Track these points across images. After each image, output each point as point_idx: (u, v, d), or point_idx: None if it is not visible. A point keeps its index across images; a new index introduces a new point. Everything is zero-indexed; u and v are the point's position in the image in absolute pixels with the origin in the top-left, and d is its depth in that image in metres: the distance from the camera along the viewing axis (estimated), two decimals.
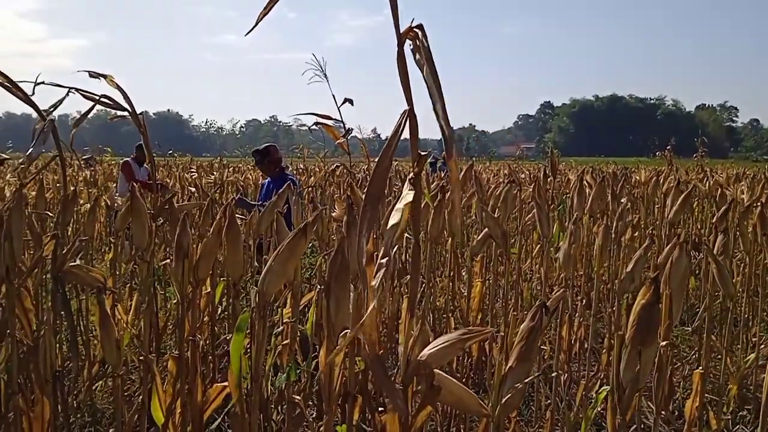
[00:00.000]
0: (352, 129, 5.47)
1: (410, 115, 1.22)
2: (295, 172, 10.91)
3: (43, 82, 2.16)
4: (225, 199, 7.68)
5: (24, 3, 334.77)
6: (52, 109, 2.31)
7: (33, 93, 2.30)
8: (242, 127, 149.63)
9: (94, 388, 3.25)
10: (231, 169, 12.59)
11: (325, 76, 4.61)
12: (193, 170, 11.77)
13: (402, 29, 1.15)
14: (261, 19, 1.09)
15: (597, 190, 3.55)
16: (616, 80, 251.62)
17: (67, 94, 2.40)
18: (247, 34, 1.06)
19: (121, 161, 7.69)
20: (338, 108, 5.00)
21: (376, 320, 1.30)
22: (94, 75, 2.33)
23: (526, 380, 1.30)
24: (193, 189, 7.59)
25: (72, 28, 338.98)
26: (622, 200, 4.06)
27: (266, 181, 5.56)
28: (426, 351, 1.31)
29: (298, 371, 2.15)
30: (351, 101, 5.03)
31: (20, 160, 2.12)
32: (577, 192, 3.29)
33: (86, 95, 2.38)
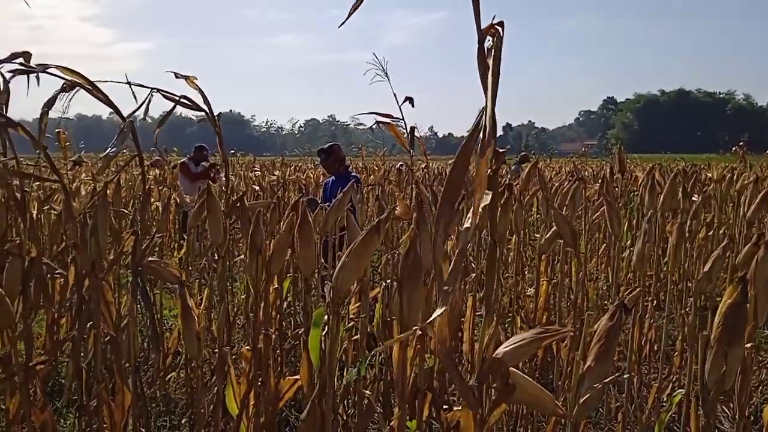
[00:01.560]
0: (415, 127, 5.49)
1: (490, 111, 1.22)
2: (354, 170, 11.01)
3: (129, 83, 2.25)
4: (287, 198, 7.83)
5: (88, 8, 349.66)
6: (135, 111, 2.41)
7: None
8: (301, 126, 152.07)
9: (167, 378, 3.37)
10: (292, 168, 12.80)
11: (387, 75, 4.63)
12: (256, 169, 12.04)
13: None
14: (352, 12, 1.12)
15: (669, 188, 3.44)
16: (683, 74, 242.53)
17: (151, 95, 2.49)
18: (340, 26, 1.11)
19: (179, 162, 7.95)
20: (399, 107, 5.02)
21: (448, 319, 1.30)
22: (179, 76, 2.42)
23: (605, 380, 1.28)
24: (257, 188, 7.76)
25: (137, 31, 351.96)
26: (694, 198, 3.92)
27: (329, 179, 5.65)
28: (501, 349, 1.31)
29: (367, 366, 2.18)
30: (411, 100, 5.04)
31: (101, 158, 2.22)
32: (648, 189, 3.19)
33: (167, 96, 2.48)
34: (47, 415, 2.46)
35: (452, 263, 1.19)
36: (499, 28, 1.22)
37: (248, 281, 2.97)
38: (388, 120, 4.70)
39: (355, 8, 1.13)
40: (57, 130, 5.04)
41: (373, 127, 4.98)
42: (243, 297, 3.74)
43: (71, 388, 3.47)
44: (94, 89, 2.14)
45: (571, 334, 2.77)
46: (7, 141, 2.49)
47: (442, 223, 1.06)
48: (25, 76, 2.40)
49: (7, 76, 2.37)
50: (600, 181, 4.28)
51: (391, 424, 1.76)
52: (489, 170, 1.31)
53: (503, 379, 1.26)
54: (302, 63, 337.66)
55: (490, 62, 1.18)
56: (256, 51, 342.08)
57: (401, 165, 8.51)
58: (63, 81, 2.20)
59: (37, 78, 2.14)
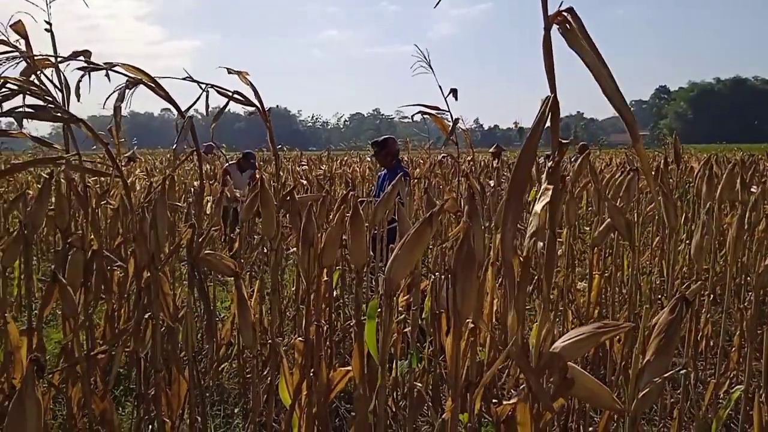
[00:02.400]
0: (459, 119, 5.47)
1: (553, 102, 1.20)
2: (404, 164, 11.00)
3: (191, 79, 2.31)
4: (334, 192, 7.88)
5: (142, 7, 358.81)
6: (191, 107, 2.47)
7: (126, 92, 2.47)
8: (346, 120, 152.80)
9: (220, 369, 3.46)
10: (338, 162, 12.90)
11: (431, 67, 4.62)
12: (303, 163, 12.17)
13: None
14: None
15: (727, 179, 3.33)
16: (739, 61, 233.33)
17: (207, 92, 2.55)
18: (435, 5, 1.11)
19: (226, 164, 8.00)
20: (445, 99, 5.01)
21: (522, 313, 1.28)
22: (231, 72, 2.46)
23: (665, 375, 1.25)
24: (305, 181, 7.84)
25: (187, 29, 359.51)
26: (753, 189, 3.78)
27: (382, 172, 5.70)
28: (559, 343, 1.29)
29: (420, 358, 2.18)
30: (455, 92, 5.02)
31: (168, 154, 2.28)
32: (705, 180, 3.09)
33: (221, 92, 2.53)
34: (107, 403, 2.56)
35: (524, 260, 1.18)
36: (568, 15, 1.20)
37: (298, 273, 3.01)
38: (433, 112, 4.70)
39: None
40: (108, 126, 5.20)
41: (417, 119, 4.98)
42: (293, 289, 3.80)
43: (129, 377, 3.59)
44: (156, 86, 2.20)
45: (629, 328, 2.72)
46: (70, 137, 2.59)
47: (511, 217, 1.05)
48: (85, 74, 2.49)
49: (77, 73, 2.45)
50: (654, 172, 4.17)
51: (444, 416, 1.76)
52: (551, 162, 1.30)
53: (561, 374, 1.24)
54: (348, 57, 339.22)
55: (582, 46, 1.14)
56: (302, 46, 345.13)
57: (444, 157, 8.47)
58: (126, 78, 2.27)
59: (107, 75, 2.21)
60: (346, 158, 15.30)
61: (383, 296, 1.58)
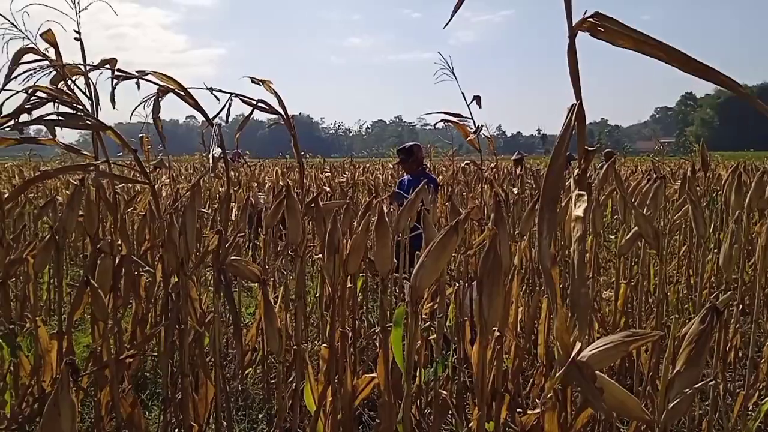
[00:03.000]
0: (482, 126, 5.47)
1: (579, 109, 1.20)
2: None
3: (217, 89, 2.34)
4: (356, 198, 7.90)
5: (167, 16, 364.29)
6: (216, 115, 2.50)
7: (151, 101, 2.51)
8: (368, 128, 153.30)
9: (245, 374, 3.48)
10: (361, 169, 12.93)
11: (454, 74, 4.63)
12: (326, 170, 12.23)
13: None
14: (456, 11, 1.13)
15: (756, 187, 3.27)
16: (766, 68, 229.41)
17: (231, 100, 2.58)
18: (444, 26, 1.12)
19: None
20: (468, 106, 5.02)
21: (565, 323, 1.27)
22: (255, 81, 2.49)
23: (695, 386, 1.24)
24: (328, 188, 7.88)
25: (211, 37, 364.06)
26: None
27: (404, 177, 5.72)
28: (587, 352, 1.28)
29: (445, 365, 2.18)
30: (479, 99, 5.03)
31: (196, 161, 2.32)
32: (734, 188, 3.05)
33: (246, 101, 2.56)
34: (135, 407, 2.59)
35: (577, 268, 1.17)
36: (594, 20, 1.20)
37: (322, 280, 3.02)
38: (456, 120, 4.70)
39: (457, 8, 1.15)
40: (140, 134, 5.29)
41: (439, 126, 4.99)
42: (317, 296, 3.82)
43: (155, 381, 3.63)
44: (186, 95, 2.23)
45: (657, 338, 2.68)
46: (99, 144, 2.64)
47: (546, 225, 1.05)
48: (119, 82, 2.54)
49: (105, 81, 2.51)
50: (681, 179, 4.12)
51: (470, 425, 1.76)
52: (578, 169, 1.30)
53: (589, 383, 1.23)
54: (370, 64, 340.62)
55: (629, 35, 1.14)
56: (325, 53, 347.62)
57: (467, 163, 8.46)
58: (156, 87, 2.31)
59: (138, 84, 2.26)
60: (368, 165, 15.34)
61: (409, 304, 1.59)
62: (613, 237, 5.84)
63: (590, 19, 1.17)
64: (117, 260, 2.62)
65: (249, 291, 5.39)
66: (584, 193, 1.30)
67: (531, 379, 3.01)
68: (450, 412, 2.14)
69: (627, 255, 3.41)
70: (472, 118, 5.00)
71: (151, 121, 2.67)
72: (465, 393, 2.80)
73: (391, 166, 13.00)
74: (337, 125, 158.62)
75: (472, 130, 4.93)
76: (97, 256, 2.58)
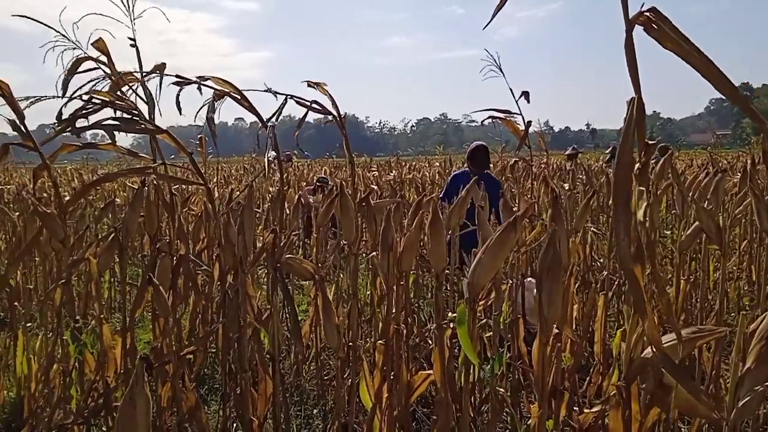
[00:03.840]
0: (531, 122, 5.42)
1: (638, 103, 1.18)
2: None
3: (269, 90, 2.38)
4: (404, 196, 7.90)
5: (214, 21, 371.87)
6: (271, 117, 2.54)
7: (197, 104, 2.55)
8: (413, 126, 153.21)
9: (299, 370, 3.53)
10: (407, 167, 12.94)
11: (501, 70, 4.59)
12: (373, 169, 12.28)
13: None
14: (497, 11, 1.13)
15: None
16: None
17: (286, 101, 2.62)
18: (484, 27, 1.11)
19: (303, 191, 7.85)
20: (516, 102, 4.96)
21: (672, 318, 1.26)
22: (311, 84, 2.52)
23: (767, 383, 1.20)
24: (375, 187, 7.91)
25: (257, 41, 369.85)
26: None
27: (458, 171, 5.81)
28: (651, 349, 1.26)
29: (502, 363, 2.17)
30: (527, 94, 4.96)
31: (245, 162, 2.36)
32: None
33: (300, 102, 2.60)
34: (196, 402, 2.66)
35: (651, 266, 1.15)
36: (650, 14, 1.18)
37: (373, 278, 3.05)
38: (504, 116, 4.66)
39: (499, 8, 1.14)
40: (199, 135, 5.43)
41: (487, 123, 4.96)
42: (368, 293, 3.84)
43: (213, 377, 3.72)
44: (242, 98, 2.28)
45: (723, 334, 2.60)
46: (156, 147, 2.73)
47: (622, 225, 1.03)
48: (182, 88, 2.61)
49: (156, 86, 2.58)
50: (741, 172, 3.97)
51: (529, 423, 1.74)
52: (638, 164, 1.28)
53: (656, 381, 1.21)
54: (415, 62, 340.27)
55: (676, 43, 1.12)
56: (369, 53, 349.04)
57: (517, 161, 8.36)
58: (213, 90, 2.36)
59: (199, 89, 2.32)
60: (414, 163, 15.34)
61: (467, 301, 1.59)
62: (668, 233, 5.69)
63: (647, 14, 1.15)
64: (176, 259, 2.70)
65: (300, 289, 5.46)
66: (644, 189, 1.28)
67: (587, 378, 2.96)
68: (506, 409, 2.13)
69: (685, 251, 3.32)
70: (521, 114, 4.96)
71: (202, 124, 2.74)
72: (519, 391, 2.78)
73: (438, 164, 12.96)
74: (382, 124, 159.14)
75: (522, 126, 4.89)
76: (157, 256, 2.67)
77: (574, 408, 2.41)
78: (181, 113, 2.37)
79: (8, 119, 2.60)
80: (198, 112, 2.63)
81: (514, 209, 2.73)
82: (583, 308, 3.16)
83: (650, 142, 1.30)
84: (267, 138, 2.46)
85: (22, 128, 2.23)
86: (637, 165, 1.33)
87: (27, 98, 2.18)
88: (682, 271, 3.40)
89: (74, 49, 2.39)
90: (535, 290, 3.72)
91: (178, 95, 2.52)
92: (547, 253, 1.41)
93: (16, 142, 2.57)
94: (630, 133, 1.16)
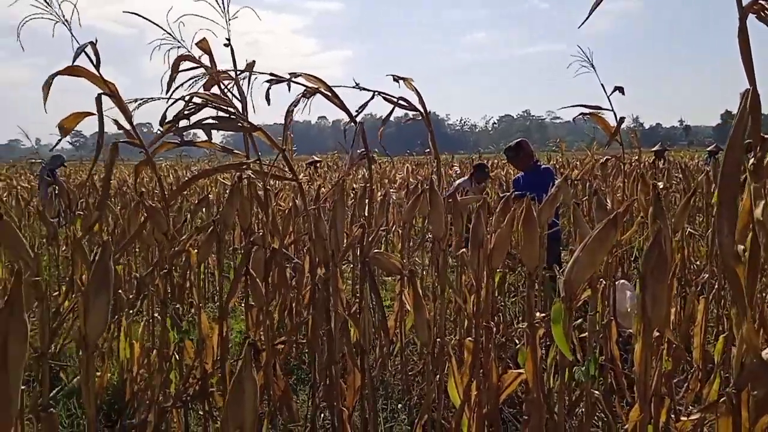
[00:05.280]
0: (624, 118, 5.21)
1: (753, 95, 1.12)
2: (555, 165, 10.67)
3: (359, 87, 2.41)
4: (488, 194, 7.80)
5: (298, 21, 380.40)
6: (359, 113, 2.58)
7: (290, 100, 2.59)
8: (495, 123, 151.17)
9: (385, 364, 3.57)
10: (489, 165, 12.79)
11: (592, 66, 4.45)
12: (455, 166, 12.22)
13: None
14: (594, 8, 1.10)
15: None
16: None
17: (373, 97, 2.65)
18: (579, 26, 1.07)
19: (458, 182, 7.03)
20: (608, 97, 4.78)
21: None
22: (396, 79, 2.54)
23: None
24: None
25: (339, 40, 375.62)
26: None
27: (519, 176, 5.53)
28: (767, 354, 1.19)
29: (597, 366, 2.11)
30: (621, 89, 4.78)
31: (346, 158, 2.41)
32: None
33: (387, 98, 2.62)
34: (287, 391, 2.75)
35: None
36: (765, 3, 1.12)
37: (458, 274, 3.03)
38: (591, 111, 4.52)
39: (596, 5, 1.11)
40: (289, 133, 5.56)
41: (569, 119, 4.82)
42: (450, 291, 3.83)
43: (301, 367, 3.83)
44: (332, 95, 2.32)
45: None
46: (250, 144, 2.82)
47: (726, 223, 0.99)
48: (271, 86, 2.70)
49: (253, 85, 2.67)
50: None
51: (626, 427, 1.69)
52: (752, 160, 1.21)
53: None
54: (497, 59, 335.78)
55: None
56: (450, 50, 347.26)
57: (606, 159, 8.09)
58: (305, 88, 2.42)
59: (289, 86, 2.38)
60: (497, 161, 15.13)
61: (562, 299, 1.55)
62: None
63: (761, 2, 1.09)
64: (268, 252, 2.79)
65: (383, 284, 5.51)
66: (759, 186, 1.21)
67: (685, 384, 2.83)
68: (599, 413, 2.07)
69: None
70: (612, 110, 4.79)
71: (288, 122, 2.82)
72: (611, 395, 2.70)
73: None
74: (462, 122, 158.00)
75: (611, 123, 4.73)
76: (251, 248, 2.76)
77: (671, 414, 2.32)
78: (269, 104, 2.43)
79: (113, 120, 2.75)
80: (291, 108, 2.70)
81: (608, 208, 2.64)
82: (681, 312, 3.02)
83: (766, 136, 1.24)
84: (355, 134, 2.49)
85: (130, 128, 2.36)
86: (751, 161, 1.26)
87: (135, 100, 2.31)
88: None
89: (178, 48, 2.50)
90: (627, 292, 3.59)
91: (268, 92, 2.59)
92: (652, 252, 1.36)
93: (123, 140, 2.72)
94: (741, 127, 1.10)
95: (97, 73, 2.09)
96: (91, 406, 1.28)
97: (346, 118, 2.71)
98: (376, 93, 2.71)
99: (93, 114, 2.13)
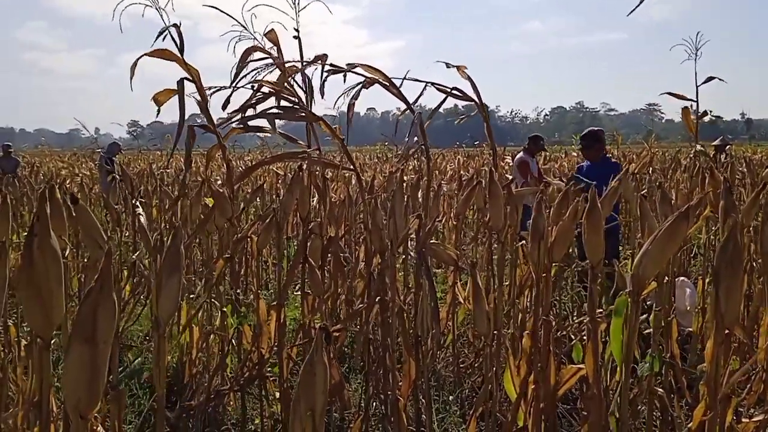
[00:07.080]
0: (708, 111, 5.07)
1: None
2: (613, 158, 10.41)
3: (407, 77, 2.41)
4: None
5: (349, 12, 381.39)
6: (414, 102, 2.58)
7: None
8: (546, 115, 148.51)
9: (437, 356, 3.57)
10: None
11: (697, 54, 4.39)
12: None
13: None
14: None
15: None
16: None
17: (425, 88, 2.64)
18: (629, 14, 1.05)
19: (518, 158, 7.09)
20: (697, 88, 4.67)
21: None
22: (449, 66, 2.53)
23: None
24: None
25: (390, 31, 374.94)
26: None
27: (583, 164, 5.43)
28: None
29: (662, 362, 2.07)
30: (711, 79, 4.68)
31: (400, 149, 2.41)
32: None
33: (440, 88, 2.61)
34: (339, 379, 2.78)
35: None
36: None
37: (512, 267, 3.00)
38: (667, 101, 4.42)
39: None
40: (335, 126, 5.60)
41: (625, 112, 4.71)
42: (506, 283, 3.80)
43: (351, 356, 3.86)
44: (390, 85, 2.33)
45: None
46: (312, 134, 2.85)
47: None
48: (329, 75, 2.72)
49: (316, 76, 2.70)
50: None
51: (689, 425, 1.65)
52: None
53: None
54: (550, 48, 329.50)
55: None
56: (503, 40, 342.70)
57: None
58: (364, 78, 2.43)
59: (344, 77, 2.39)
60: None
61: (630, 294, 1.52)
62: None
63: None
64: (326, 241, 2.83)
65: (434, 276, 5.50)
66: None
67: (749, 385, 2.74)
68: (662, 410, 2.02)
69: None
70: (696, 101, 4.66)
71: (335, 114, 2.84)
72: (671, 393, 2.63)
73: (575, 154, 12.49)
74: (513, 113, 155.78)
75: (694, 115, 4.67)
76: (308, 237, 2.80)
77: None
78: (323, 97, 2.46)
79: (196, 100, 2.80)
80: (348, 99, 2.71)
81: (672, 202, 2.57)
82: (747, 311, 2.91)
83: None
84: (412, 124, 2.49)
85: (207, 112, 2.42)
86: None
87: (209, 88, 2.36)
88: None
89: (251, 39, 2.55)
90: (687, 289, 3.47)
91: (323, 84, 2.61)
92: (727, 246, 1.32)
93: (198, 124, 2.78)
94: None
95: (180, 57, 2.15)
96: (162, 384, 1.32)
97: (395, 109, 2.72)
98: (429, 84, 2.71)
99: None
